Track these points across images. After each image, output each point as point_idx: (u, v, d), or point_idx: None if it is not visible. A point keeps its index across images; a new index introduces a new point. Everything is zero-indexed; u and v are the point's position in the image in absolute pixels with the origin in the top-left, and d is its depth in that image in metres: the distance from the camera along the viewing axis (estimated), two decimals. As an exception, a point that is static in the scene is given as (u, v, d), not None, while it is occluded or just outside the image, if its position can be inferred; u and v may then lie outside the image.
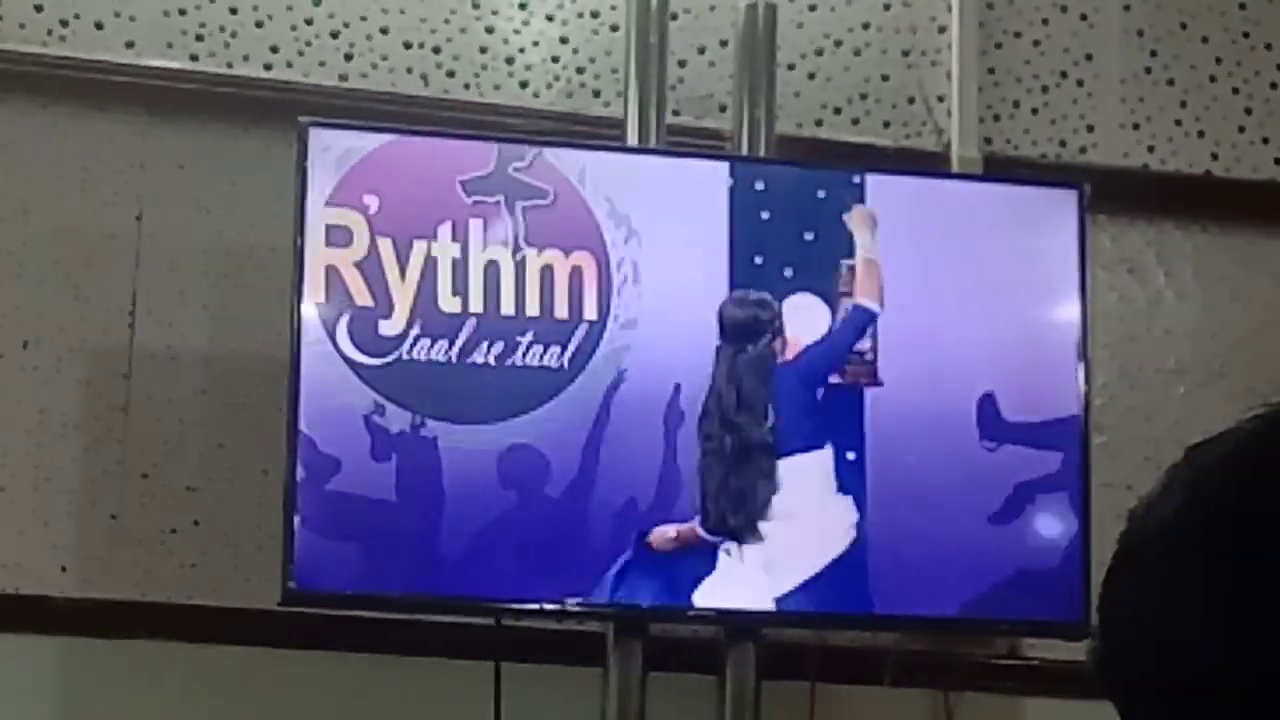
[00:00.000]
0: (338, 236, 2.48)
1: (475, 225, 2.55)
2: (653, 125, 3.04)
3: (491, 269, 2.56)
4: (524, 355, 2.54)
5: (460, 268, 2.51)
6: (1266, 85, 3.48)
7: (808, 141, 3.28)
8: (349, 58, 3.20)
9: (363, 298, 2.47)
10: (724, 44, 3.27)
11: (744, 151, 3.08)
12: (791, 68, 3.31)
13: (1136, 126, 3.44)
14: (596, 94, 3.26)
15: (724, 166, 2.80)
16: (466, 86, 3.23)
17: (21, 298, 3.08)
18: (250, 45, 3.17)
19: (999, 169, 3.31)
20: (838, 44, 3.35)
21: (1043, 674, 3.22)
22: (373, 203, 2.48)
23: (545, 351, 2.54)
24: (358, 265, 2.46)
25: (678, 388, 2.56)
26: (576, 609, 2.87)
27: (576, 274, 2.58)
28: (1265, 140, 3.47)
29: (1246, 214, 3.46)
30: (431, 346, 2.47)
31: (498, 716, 2.92)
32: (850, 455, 2.62)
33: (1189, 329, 3.41)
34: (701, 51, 3.30)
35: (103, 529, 3.06)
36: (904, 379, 2.76)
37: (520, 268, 2.50)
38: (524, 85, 3.25)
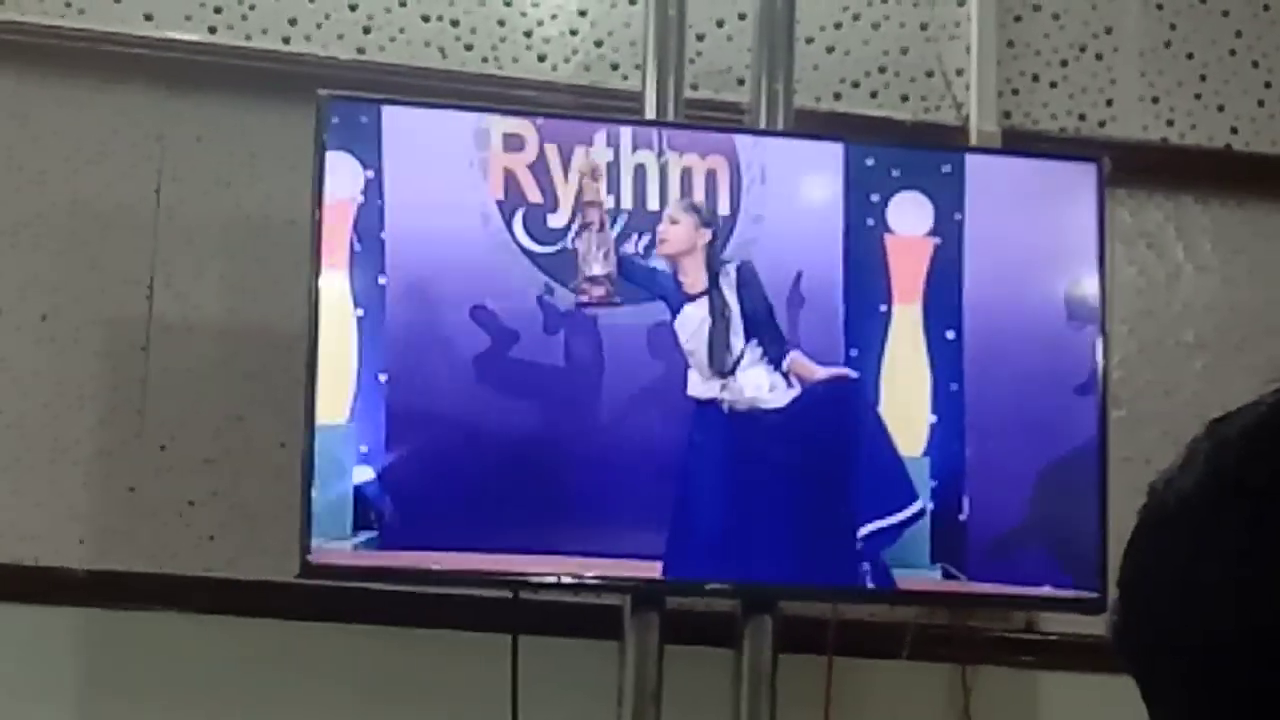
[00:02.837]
0: (512, 143, 2.79)
1: (625, 133, 2.86)
2: (670, 98, 3.04)
3: (639, 171, 2.87)
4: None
5: (613, 170, 2.83)
6: (1286, 59, 3.48)
7: (826, 115, 3.28)
8: (367, 30, 3.20)
9: (534, 195, 2.78)
10: (742, 17, 3.27)
11: (762, 125, 3.09)
12: (810, 41, 3.30)
13: (1156, 100, 3.43)
14: (615, 67, 3.26)
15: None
16: (484, 60, 3.23)
17: (40, 270, 3.09)
18: (268, 18, 3.17)
19: (1018, 143, 3.30)
20: (856, 17, 3.34)
21: (1060, 649, 3.22)
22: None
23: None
24: (529, 167, 2.78)
25: (799, 275, 2.86)
26: (593, 582, 2.88)
27: (711, 175, 2.88)
28: (1285, 114, 3.46)
29: (1266, 188, 3.45)
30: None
31: (515, 689, 2.93)
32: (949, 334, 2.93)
33: (1208, 303, 3.40)
34: (720, 25, 3.30)
35: (120, 501, 3.06)
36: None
37: (664, 170, 2.83)
38: (542, 58, 3.25)
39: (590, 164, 2.82)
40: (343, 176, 2.75)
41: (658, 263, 2.84)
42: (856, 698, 3.16)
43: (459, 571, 2.84)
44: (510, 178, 2.78)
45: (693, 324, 2.84)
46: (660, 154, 2.83)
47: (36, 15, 3.11)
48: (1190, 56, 3.44)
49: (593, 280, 2.78)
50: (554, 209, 2.80)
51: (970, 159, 2.98)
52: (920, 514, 2.87)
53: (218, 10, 3.16)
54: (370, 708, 3.08)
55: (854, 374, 2.88)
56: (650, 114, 3.03)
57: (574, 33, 3.26)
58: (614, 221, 2.82)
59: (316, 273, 2.80)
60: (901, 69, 3.36)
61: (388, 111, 2.81)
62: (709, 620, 3.04)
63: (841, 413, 2.89)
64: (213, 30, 3.16)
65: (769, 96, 3.10)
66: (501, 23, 3.24)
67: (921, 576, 2.89)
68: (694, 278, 2.85)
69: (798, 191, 2.90)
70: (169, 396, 3.09)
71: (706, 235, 2.84)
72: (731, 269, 2.85)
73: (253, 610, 3.05)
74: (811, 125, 3.16)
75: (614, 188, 2.83)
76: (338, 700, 3.07)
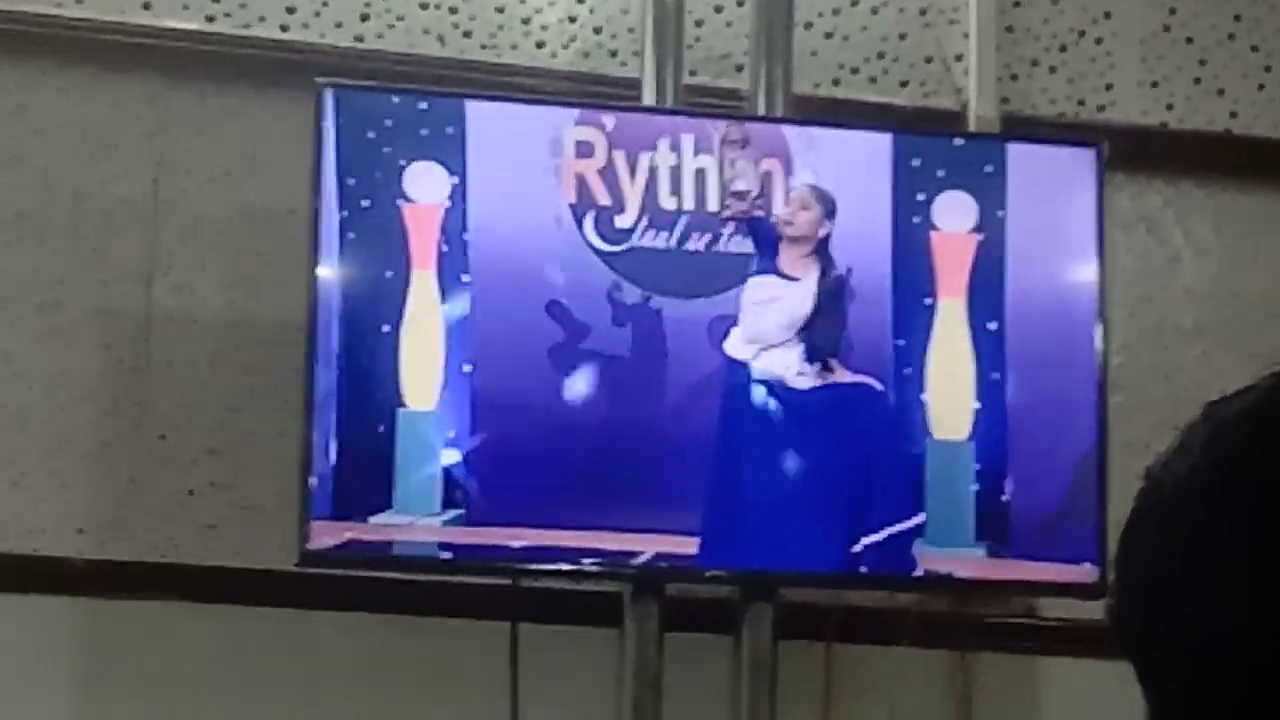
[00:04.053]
0: (584, 149, 2.94)
1: (687, 140, 2.99)
2: (669, 85, 3.05)
3: (700, 174, 3.00)
4: (726, 243, 2.97)
5: (676, 174, 2.98)
6: (1286, 43, 3.47)
7: (825, 101, 3.27)
8: (365, 19, 3.20)
9: (603, 198, 2.94)
10: (741, 3, 3.26)
11: (760, 111, 3.09)
12: (809, 27, 3.30)
13: (1155, 85, 3.43)
14: (613, 54, 3.26)
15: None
16: (483, 47, 3.23)
17: (40, 262, 3.09)
18: (266, 6, 3.17)
19: (1017, 128, 3.30)
20: (855, 3, 3.34)
21: (1059, 634, 3.22)
22: (609, 122, 2.95)
23: (744, 240, 3.01)
24: (599, 172, 2.94)
25: (849, 269, 2.99)
26: (594, 569, 2.90)
27: (768, 177, 3.00)
28: (1284, 98, 3.46)
29: (1266, 172, 3.44)
30: (655, 236, 2.94)
31: (514, 676, 2.93)
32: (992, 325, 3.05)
33: (1207, 288, 3.40)
34: (719, 10, 3.29)
35: (121, 491, 3.07)
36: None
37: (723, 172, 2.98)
38: (541, 45, 3.24)
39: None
40: (431, 183, 2.89)
41: (774, 228, 2.99)
42: (856, 684, 3.16)
43: (458, 561, 2.89)
44: (581, 182, 2.94)
45: (765, 293, 2.96)
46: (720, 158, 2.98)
47: (35, 5, 3.11)
48: (1189, 41, 3.44)
49: (738, 195, 2.95)
50: (621, 210, 2.95)
51: (1012, 160, 3.06)
52: (920, 527, 2.96)
53: (215, -1, 3.16)
54: (371, 695, 3.08)
55: (879, 386, 2.98)
56: (649, 100, 3.04)
57: (572, 19, 3.26)
58: (675, 223, 2.96)
59: (315, 262, 2.82)
60: (900, 55, 3.35)
61: (471, 109, 2.91)
62: (709, 607, 3.04)
63: (858, 409, 2.99)
64: (210, 19, 3.16)
65: (768, 83, 3.10)
66: (500, 10, 3.24)
67: (966, 554, 2.99)
68: (793, 261, 2.98)
69: (848, 191, 3.01)
70: (169, 387, 3.09)
71: (828, 228, 2.98)
72: (833, 276, 2.98)
73: (254, 599, 3.05)
74: (811, 111, 3.16)
75: (677, 190, 2.97)
76: (339, 688, 3.07)
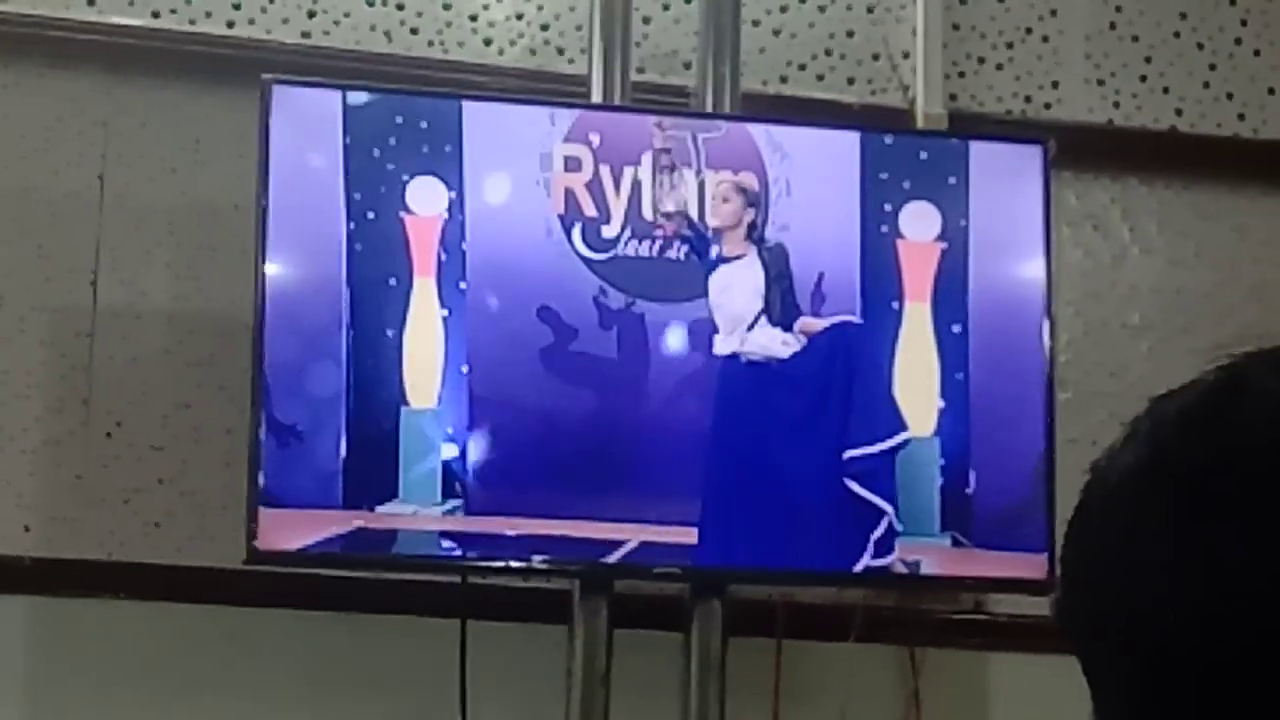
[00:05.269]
0: (572, 164, 3.06)
1: (669, 156, 3.11)
2: (617, 82, 3.06)
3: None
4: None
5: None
6: (1230, 41, 3.49)
7: (772, 98, 3.28)
8: (311, 15, 3.19)
9: (590, 209, 3.06)
10: (688, 0, 3.26)
11: (708, 108, 3.10)
12: (756, 24, 3.30)
13: (1101, 82, 3.44)
14: (560, 51, 3.26)
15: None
16: (430, 44, 3.23)
17: (-17, 257, 3.07)
18: (212, 2, 3.16)
19: (964, 125, 3.31)
20: (802, 0, 3.35)
21: (1008, 629, 3.23)
22: (595, 139, 3.06)
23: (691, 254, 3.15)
24: (586, 185, 3.07)
25: (820, 275, 3.11)
26: (542, 566, 2.91)
27: (743, 190, 3.12)
28: (1229, 96, 3.48)
29: (1211, 170, 3.46)
30: (639, 245, 3.07)
31: (464, 673, 2.93)
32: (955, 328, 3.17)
33: (1153, 285, 3.42)
34: (666, 8, 3.29)
35: (66, 489, 3.05)
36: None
37: (701, 185, 3.08)
38: (488, 42, 3.24)
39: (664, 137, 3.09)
40: (430, 197, 3.00)
41: (707, 231, 3.10)
42: (806, 681, 3.17)
43: (406, 558, 2.95)
44: (570, 195, 3.05)
45: (722, 282, 3.08)
46: (699, 172, 3.08)
47: (-22, 0, 3.09)
48: (1135, 39, 3.45)
49: (667, 216, 3.06)
50: (607, 221, 3.07)
51: (974, 174, 3.13)
52: (904, 444, 3.06)
53: (161, -5, 3.15)
54: (319, 693, 3.07)
55: (858, 319, 3.08)
56: (596, 98, 3.04)
57: (519, 17, 3.26)
58: (657, 233, 3.08)
59: (262, 258, 2.82)
60: (848, 52, 3.36)
61: (468, 127, 2.98)
62: (658, 604, 3.05)
63: (839, 354, 3.10)
64: (156, 15, 3.14)
65: (715, 80, 3.11)
66: (447, 6, 3.23)
67: (932, 544, 3.07)
68: (732, 246, 3.09)
69: (819, 202, 3.12)
70: (115, 384, 3.07)
71: (751, 214, 3.09)
72: (766, 247, 3.10)
73: (200, 597, 3.04)
74: (758, 109, 3.17)
75: (660, 203, 3.07)
76: (286, 686, 3.07)
